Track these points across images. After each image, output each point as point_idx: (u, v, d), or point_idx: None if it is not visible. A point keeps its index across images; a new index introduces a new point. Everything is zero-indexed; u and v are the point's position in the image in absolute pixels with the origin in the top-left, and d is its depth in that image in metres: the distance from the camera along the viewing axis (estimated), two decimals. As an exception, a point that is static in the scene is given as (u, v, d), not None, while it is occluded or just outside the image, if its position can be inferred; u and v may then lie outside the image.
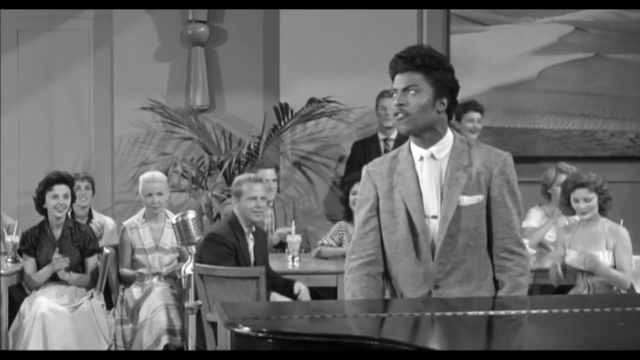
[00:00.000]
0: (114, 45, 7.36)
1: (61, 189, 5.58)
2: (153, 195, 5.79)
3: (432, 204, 2.96)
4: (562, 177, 5.95)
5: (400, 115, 2.94)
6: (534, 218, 6.06)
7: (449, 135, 3.00)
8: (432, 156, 2.97)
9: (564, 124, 7.25)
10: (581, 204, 5.12)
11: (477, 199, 2.95)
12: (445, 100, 2.95)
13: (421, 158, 2.99)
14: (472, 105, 6.49)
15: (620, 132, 7.27)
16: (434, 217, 2.96)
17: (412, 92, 2.92)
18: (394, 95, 2.96)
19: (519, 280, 2.98)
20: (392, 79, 2.97)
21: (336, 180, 7.06)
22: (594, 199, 5.11)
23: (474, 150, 3.00)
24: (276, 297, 5.17)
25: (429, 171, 2.97)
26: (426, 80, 2.92)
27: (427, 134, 2.96)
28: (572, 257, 5.13)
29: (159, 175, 5.92)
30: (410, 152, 3.02)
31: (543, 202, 6.11)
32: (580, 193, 5.12)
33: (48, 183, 5.59)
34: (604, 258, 5.07)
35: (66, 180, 5.65)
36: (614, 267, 5.09)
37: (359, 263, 3.03)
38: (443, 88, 2.94)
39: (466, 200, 2.94)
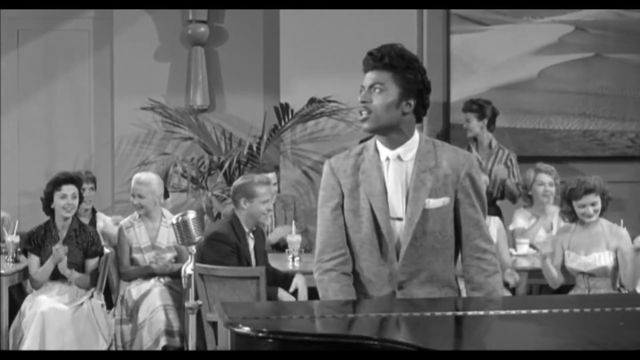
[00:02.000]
0: (114, 45, 7.36)
1: (69, 189, 5.60)
2: (135, 197, 5.82)
3: (397, 206, 2.93)
4: (542, 177, 5.95)
5: (364, 113, 2.91)
6: (521, 219, 6.05)
7: (416, 136, 2.97)
8: (399, 157, 2.94)
9: (564, 123, 7.25)
10: (589, 209, 5.10)
11: (444, 201, 2.93)
12: (412, 102, 2.91)
13: (387, 159, 2.95)
14: (466, 104, 6.51)
15: (620, 132, 7.27)
16: (399, 219, 2.93)
17: (377, 90, 2.90)
18: (361, 92, 2.93)
19: (494, 279, 2.97)
20: (364, 76, 2.95)
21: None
22: (599, 202, 5.11)
23: (440, 151, 2.96)
24: (284, 295, 5.16)
25: (394, 172, 2.94)
26: (393, 80, 2.89)
27: (393, 135, 2.93)
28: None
29: (144, 177, 5.88)
30: (376, 151, 2.97)
31: (525, 203, 6.11)
32: (588, 199, 5.10)
33: (57, 183, 5.60)
34: (605, 259, 5.06)
35: (75, 180, 5.68)
36: (616, 267, 5.08)
37: (333, 264, 2.98)
38: (411, 89, 2.90)
39: (432, 202, 2.91)
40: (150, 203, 5.80)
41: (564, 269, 5.21)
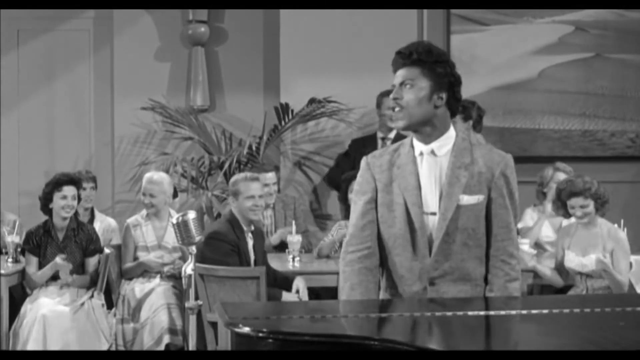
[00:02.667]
0: (115, 45, 7.36)
1: (70, 190, 5.61)
2: (146, 196, 5.85)
3: (431, 200, 2.94)
4: (559, 176, 5.95)
5: (396, 109, 2.93)
6: (530, 218, 6.06)
7: (451, 132, 2.97)
8: (433, 152, 2.95)
9: (564, 123, 7.25)
10: (577, 211, 5.11)
11: (478, 198, 2.93)
12: (443, 95, 2.92)
13: (421, 153, 2.96)
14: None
15: (620, 132, 7.27)
16: (433, 213, 2.93)
17: (407, 86, 2.91)
18: (393, 91, 2.95)
19: (513, 285, 2.96)
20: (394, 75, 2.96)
21: (325, 176, 7.06)
22: (590, 205, 5.09)
23: (476, 149, 2.97)
24: (287, 297, 5.16)
25: (428, 167, 2.95)
26: (423, 75, 2.90)
27: (427, 129, 2.94)
28: (577, 262, 5.13)
29: (157, 177, 5.93)
30: (412, 146, 2.99)
31: (537, 200, 6.11)
32: (575, 201, 5.10)
33: (58, 184, 5.60)
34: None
35: (75, 182, 5.69)
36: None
37: (357, 256, 3.00)
38: (441, 82, 2.91)
39: (466, 199, 2.92)
40: (161, 202, 5.84)
41: (564, 269, 5.22)
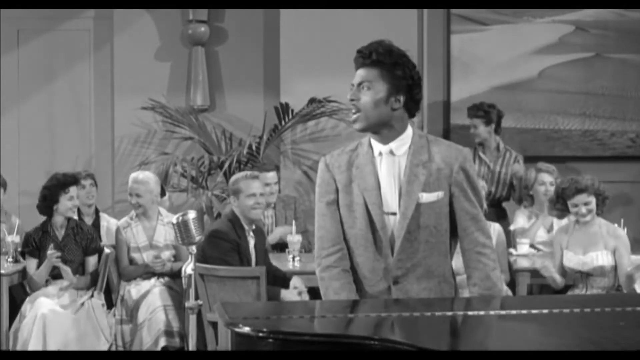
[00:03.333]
0: (115, 45, 7.37)
1: (75, 191, 5.66)
2: (132, 196, 5.85)
3: (391, 200, 2.93)
4: (543, 176, 5.96)
5: (353, 110, 2.94)
6: (522, 219, 6.05)
7: (409, 131, 2.97)
8: (391, 152, 2.95)
9: (565, 123, 7.24)
10: (582, 208, 5.11)
11: (437, 195, 2.92)
12: (401, 98, 2.91)
13: (380, 154, 2.96)
14: (469, 109, 6.50)
15: (620, 132, 7.27)
16: (393, 213, 2.92)
17: (365, 87, 2.92)
18: (351, 90, 2.95)
19: (495, 274, 2.96)
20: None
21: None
22: (593, 202, 5.11)
23: (434, 146, 2.97)
24: (287, 294, 5.15)
25: (387, 167, 2.95)
26: (381, 76, 2.91)
27: (384, 131, 2.94)
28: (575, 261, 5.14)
29: (142, 177, 5.91)
30: (370, 146, 2.99)
31: (526, 202, 6.11)
32: (580, 198, 5.11)
33: (64, 185, 5.59)
34: (603, 259, 5.06)
35: (77, 181, 5.75)
36: (614, 267, 5.09)
37: (332, 260, 2.98)
38: (399, 85, 2.91)
39: (426, 197, 2.91)
40: (148, 202, 5.82)
41: (562, 269, 5.22)
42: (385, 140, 2.95)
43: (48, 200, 5.61)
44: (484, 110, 6.46)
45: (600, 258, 5.06)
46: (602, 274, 5.08)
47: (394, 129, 2.94)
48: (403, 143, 2.95)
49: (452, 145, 3.01)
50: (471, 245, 2.96)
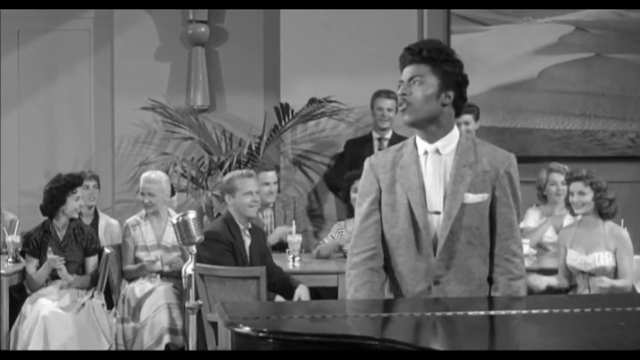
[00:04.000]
0: (115, 45, 7.37)
1: (81, 191, 5.67)
2: (145, 195, 5.85)
3: (435, 200, 2.94)
4: (554, 176, 5.97)
5: (403, 105, 2.93)
6: (532, 218, 6.06)
7: (455, 131, 2.98)
8: (437, 151, 2.95)
9: (565, 123, 7.24)
10: (575, 197, 5.09)
11: (482, 197, 2.93)
12: (451, 94, 2.93)
13: (425, 152, 2.96)
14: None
15: (620, 132, 7.27)
16: (437, 212, 2.93)
17: (416, 82, 2.91)
18: (400, 87, 2.95)
19: (517, 284, 2.97)
20: (402, 72, 2.96)
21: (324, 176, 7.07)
22: (589, 195, 5.08)
23: (480, 148, 2.98)
24: (281, 299, 5.14)
25: (433, 166, 2.95)
26: (432, 72, 2.91)
27: (432, 127, 2.94)
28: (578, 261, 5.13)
29: (154, 176, 5.93)
30: (415, 146, 2.99)
31: (540, 202, 6.12)
32: (575, 186, 5.10)
33: (72, 186, 5.60)
34: (605, 260, 5.05)
35: (82, 182, 5.76)
36: (615, 268, 5.07)
37: (361, 258, 2.99)
38: (449, 81, 2.93)
39: (471, 197, 2.92)
40: (160, 201, 5.85)
41: (566, 268, 5.21)
42: (431, 138, 2.95)
43: (55, 201, 5.59)
44: (470, 106, 6.46)
45: (602, 259, 5.05)
46: (603, 275, 5.07)
47: (442, 126, 2.95)
48: (449, 142, 2.96)
49: (498, 149, 3.02)
50: (502, 252, 2.97)
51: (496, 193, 2.95)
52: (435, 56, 2.91)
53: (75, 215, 5.67)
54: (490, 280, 3.00)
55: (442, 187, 2.94)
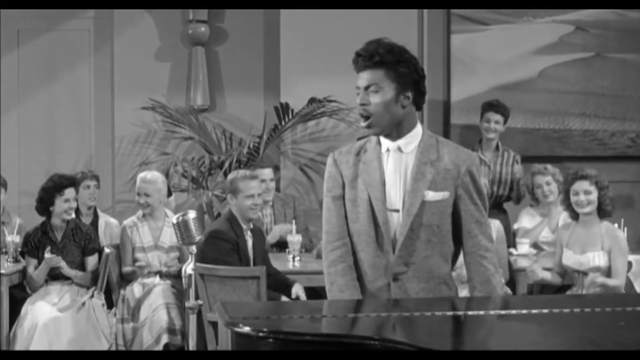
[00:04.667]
0: (115, 45, 7.36)
1: (71, 193, 5.63)
2: (141, 195, 5.86)
3: (395, 197, 2.94)
4: (537, 179, 5.97)
5: (364, 114, 2.91)
6: (526, 219, 6.06)
7: (418, 129, 2.97)
8: (399, 149, 2.95)
9: (565, 123, 7.24)
10: (581, 196, 5.06)
11: (443, 195, 2.92)
12: (409, 94, 2.92)
13: (387, 150, 2.96)
14: (491, 105, 6.47)
15: (620, 131, 7.27)
16: (396, 210, 2.93)
17: (373, 90, 2.90)
18: (358, 94, 2.93)
19: (496, 279, 2.97)
20: (357, 75, 2.95)
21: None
22: (594, 194, 5.06)
23: (443, 147, 2.97)
24: (284, 299, 5.15)
25: (394, 163, 2.95)
26: (387, 77, 2.89)
27: (395, 129, 2.94)
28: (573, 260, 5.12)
29: (150, 176, 5.94)
30: (378, 142, 2.99)
31: (533, 203, 6.12)
32: (581, 185, 5.06)
33: (60, 187, 5.58)
34: (600, 259, 5.04)
35: (74, 183, 5.70)
36: (609, 268, 5.06)
37: (338, 254, 3.00)
38: (406, 82, 2.90)
39: (431, 195, 2.91)
40: (156, 202, 5.85)
41: (562, 267, 5.21)
42: (394, 137, 2.95)
43: (44, 202, 5.61)
44: (504, 106, 6.47)
45: (597, 258, 5.04)
46: (599, 270, 5.06)
47: (403, 126, 2.94)
48: (412, 140, 2.95)
49: (461, 148, 3.02)
50: (474, 249, 2.97)
51: (459, 191, 2.94)
52: (388, 59, 2.89)
53: (66, 217, 5.62)
54: (451, 277, 3.01)
55: (402, 185, 2.94)
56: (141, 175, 5.98)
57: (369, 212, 2.94)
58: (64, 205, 5.59)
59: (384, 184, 2.94)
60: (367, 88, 2.92)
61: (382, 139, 2.98)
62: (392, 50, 2.91)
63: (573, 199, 5.09)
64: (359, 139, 6.92)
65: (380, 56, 2.90)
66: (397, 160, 2.95)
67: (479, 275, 2.97)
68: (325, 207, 3.05)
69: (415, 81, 2.93)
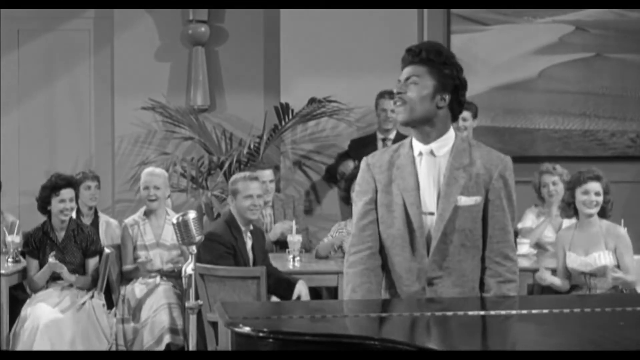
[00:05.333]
0: (115, 45, 7.37)
1: (68, 193, 5.59)
2: (150, 188, 5.86)
3: (429, 201, 2.94)
4: (544, 178, 5.96)
5: (398, 103, 2.94)
6: (529, 219, 6.06)
7: (451, 133, 2.98)
8: (432, 152, 2.96)
9: (565, 123, 7.24)
10: (592, 196, 5.04)
11: (475, 200, 2.93)
12: (446, 97, 2.93)
13: (420, 153, 2.97)
14: None
15: (620, 131, 7.27)
16: (431, 213, 2.94)
17: (412, 82, 2.93)
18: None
19: (508, 287, 2.96)
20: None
21: (323, 173, 7.07)
22: (602, 197, 5.07)
23: (475, 150, 2.97)
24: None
25: (427, 167, 2.96)
26: (429, 73, 2.92)
27: (426, 128, 2.94)
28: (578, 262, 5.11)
29: (159, 170, 6.03)
30: (411, 147, 3.00)
31: (538, 203, 6.12)
32: (593, 186, 5.05)
33: (55, 187, 5.57)
34: (605, 258, 5.05)
35: (72, 184, 5.66)
36: (617, 267, 5.07)
37: (359, 257, 3.01)
38: (446, 83, 2.93)
39: (464, 200, 2.92)
40: (164, 195, 5.92)
41: (566, 270, 5.20)
42: (426, 139, 2.96)
43: (42, 201, 5.62)
44: (468, 103, 6.45)
45: (602, 258, 5.05)
46: (604, 274, 5.07)
47: (436, 128, 2.95)
48: (444, 144, 2.96)
49: (494, 152, 3.01)
50: (493, 255, 2.97)
51: (489, 196, 2.95)
52: (434, 58, 2.92)
53: (62, 217, 5.59)
54: (482, 283, 3.00)
55: (436, 189, 2.94)
56: (147, 170, 6.00)
57: (404, 217, 2.95)
58: (60, 206, 5.58)
59: (418, 188, 2.95)
60: (407, 79, 2.94)
61: (415, 143, 2.99)
62: (440, 51, 2.95)
63: (582, 197, 5.08)
64: (352, 140, 6.93)
65: (428, 53, 2.93)
66: (430, 164, 2.96)
67: (492, 281, 2.96)
68: (356, 210, 3.05)
69: (456, 86, 2.95)
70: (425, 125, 2.94)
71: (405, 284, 2.98)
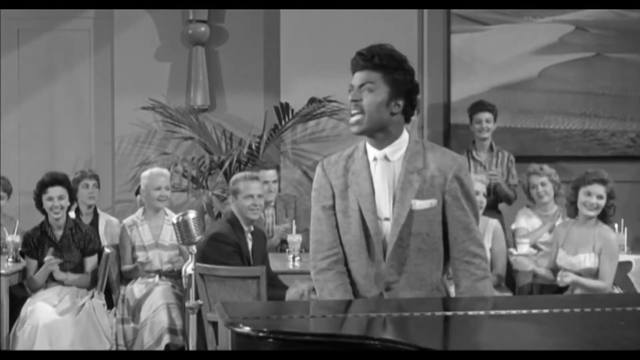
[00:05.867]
0: (115, 45, 7.37)
1: (55, 191, 5.57)
2: (162, 189, 5.86)
3: (384, 206, 2.93)
4: (532, 179, 5.95)
5: (355, 111, 2.91)
6: (523, 219, 6.05)
7: (404, 136, 2.96)
8: (386, 157, 2.94)
9: (565, 123, 7.24)
10: (593, 199, 5.03)
11: (430, 203, 2.91)
12: (400, 102, 2.91)
13: (375, 159, 2.96)
14: (480, 105, 6.48)
15: (621, 131, 7.27)
16: (387, 219, 2.92)
17: (367, 89, 2.90)
18: (350, 92, 2.93)
19: (482, 284, 2.95)
20: (353, 76, 2.95)
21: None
22: (604, 201, 5.04)
23: (429, 153, 2.95)
24: (291, 291, 5.14)
25: (382, 172, 2.94)
26: (383, 80, 2.90)
27: (381, 135, 2.93)
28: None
29: (165, 170, 6.09)
30: (365, 152, 2.99)
31: (530, 204, 6.11)
32: (596, 188, 5.04)
33: (43, 185, 5.59)
34: (590, 260, 5.03)
35: (61, 181, 5.63)
36: (597, 270, 5.04)
37: (327, 263, 2.98)
38: (400, 89, 2.90)
39: (419, 204, 2.90)
40: (169, 197, 5.94)
41: (556, 266, 5.20)
42: (380, 145, 2.95)
43: (35, 201, 5.66)
44: (491, 105, 6.48)
45: (588, 260, 5.03)
46: (590, 276, 5.05)
47: (390, 134, 2.93)
48: (398, 148, 2.94)
49: (448, 153, 3.00)
50: (460, 254, 2.95)
51: (446, 198, 2.93)
52: (387, 63, 2.89)
53: (53, 215, 5.60)
54: (445, 286, 3.00)
55: (391, 194, 2.93)
56: (155, 170, 6.01)
57: (360, 223, 2.93)
58: (48, 204, 5.59)
59: (373, 193, 2.93)
60: (361, 86, 2.92)
61: (369, 148, 2.97)
62: (393, 56, 2.92)
63: (583, 198, 5.06)
64: None
65: (381, 59, 2.90)
66: (384, 169, 2.94)
67: (465, 281, 2.95)
68: (315, 216, 3.02)
69: (409, 91, 2.92)
70: (380, 133, 2.93)
71: (363, 290, 2.97)
